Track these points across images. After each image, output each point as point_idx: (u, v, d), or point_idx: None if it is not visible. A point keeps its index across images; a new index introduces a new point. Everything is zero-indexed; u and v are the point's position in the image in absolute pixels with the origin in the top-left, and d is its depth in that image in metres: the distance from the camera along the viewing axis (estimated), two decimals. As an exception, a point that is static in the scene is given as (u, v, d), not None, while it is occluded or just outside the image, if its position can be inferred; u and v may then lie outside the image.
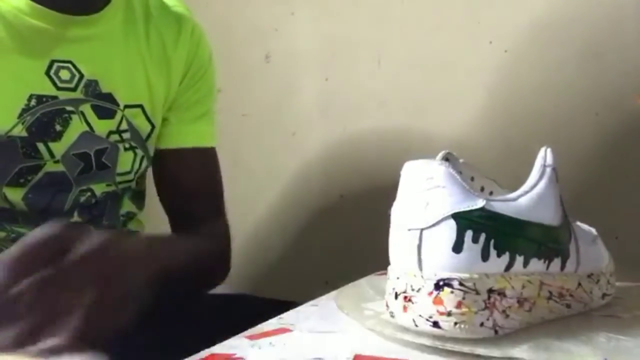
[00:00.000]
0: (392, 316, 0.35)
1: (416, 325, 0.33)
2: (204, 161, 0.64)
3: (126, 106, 0.56)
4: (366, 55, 0.88)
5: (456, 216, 0.32)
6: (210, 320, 0.55)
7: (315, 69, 0.92)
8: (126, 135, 0.56)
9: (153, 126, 0.58)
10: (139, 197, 0.63)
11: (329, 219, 0.92)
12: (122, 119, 0.56)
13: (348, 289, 0.47)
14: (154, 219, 0.70)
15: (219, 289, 0.70)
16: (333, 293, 0.46)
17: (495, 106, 0.81)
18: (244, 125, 0.96)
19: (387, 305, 0.36)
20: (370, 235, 0.77)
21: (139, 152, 0.58)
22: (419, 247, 0.33)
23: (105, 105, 0.54)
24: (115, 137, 0.55)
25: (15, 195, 0.51)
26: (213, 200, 0.65)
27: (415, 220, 0.33)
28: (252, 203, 0.96)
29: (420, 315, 0.33)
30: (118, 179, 0.57)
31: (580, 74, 0.77)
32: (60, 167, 0.52)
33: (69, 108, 0.52)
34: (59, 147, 0.52)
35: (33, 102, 0.50)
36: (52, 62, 0.51)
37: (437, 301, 0.32)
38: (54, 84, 0.51)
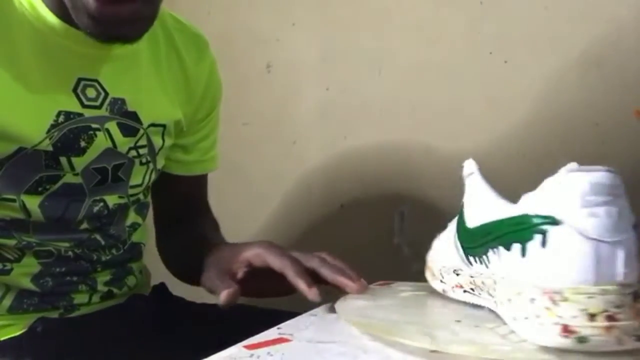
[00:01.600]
0: (585, 341, 0.32)
1: (621, 344, 0.31)
2: (205, 181, 0.70)
3: (150, 125, 0.57)
4: (367, 65, 0.88)
5: (635, 225, 0.33)
6: (209, 330, 0.55)
7: (316, 78, 0.92)
8: (143, 151, 0.58)
9: (164, 142, 0.60)
10: (143, 208, 0.64)
11: (330, 228, 0.92)
12: (142, 136, 0.57)
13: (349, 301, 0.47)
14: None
15: (213, 299, 0.70)
16: (331, 303, 0.46)
17: (495, 116, 0.82)
18: (244, 134, 0.96)
19: (568, 332, 0.32)
20: (371, 244, 0.77)
21: (151, 166, 0.60)
22: (616, 258, 0.31)
23: (130, 123, 0.56)
24: (134, 152, 0.57)
25: (32, 202, 0.52)
26: (206, 203, 0.71)
27: (610, 232, 0.32)
28: (253, 212, 0.96)
29: (625, 333, 0.31)
30: (130, 191, 0.58)
31: (580, 84, 0.77)
32: (78, 179, 0.53)
33: (94, 125, 0.53)
34: (80, 162, 0.53)
35: (61, 119, 0.51)
36: (79, 80, 0.52)
37: (638, 312, 0.32)
38: (80, 101, 0.52)
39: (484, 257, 0.39)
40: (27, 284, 0.54)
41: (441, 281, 0.45)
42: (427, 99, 0.85)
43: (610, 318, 0.31)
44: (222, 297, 0.47)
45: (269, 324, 0.42)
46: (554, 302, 0.32)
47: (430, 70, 0.85)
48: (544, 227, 0.33)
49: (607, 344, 0.32)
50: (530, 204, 0.35)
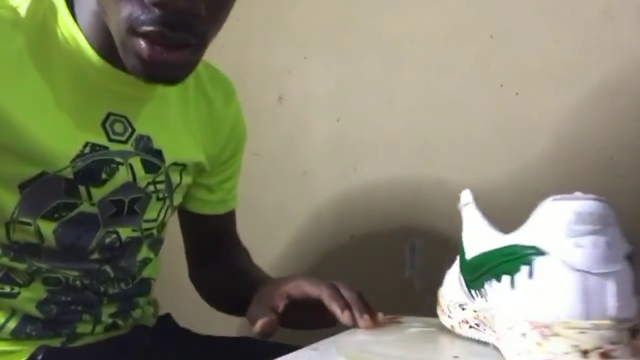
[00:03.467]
0: None
1: None
2: (233, 216, 0.72)
3: (172, 164, 0.59)
4: (378, 97, 0.89)
5: (629, 256, 0.31)
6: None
7: (327, 110, 0.93)
8: (160, 187, 0.59)
9: (181, 180, 0.61)
10: (157, 244, 0.64)
11: (339, 260, 0.91)
12: (162, 172, 0.58)
13: (345, 336, 0.45)
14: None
15: (223, 332, 0.69)
16: (333, 337, 0.45)
17: (506, 149, 0.81)
18: (255, 164, 0.97)
19: None
20: (382, 277, 0.75)
21: (167, 202, 0.61)
22: (607, 291, 0.30)
23: (154, 160, 0.57)
24: (152, 187, 0.58)
25: (47, 227, 0.52)
26: (235, 236, 0.73)
27: (597, 263, 0.30)
28: (262, 243, 0.95)
29: None
30: (144, 225, 0.59)
31: (594, 116, 0.76)
32: (94, 209, 0.54)
33: (118, 159, 0.54)
34: (99, 193, 0.54)
35: (87, 150, 0.52)
36: (109, 114, 0.53)
37: (636, 349, 0.29)
38: (107, 135, 0.53)
39: (482, 289, 0.37)
40: (32, 309, 0.54)
41: (449, 316, 0.44)
42: (438, 132, 0.85)
43: (604, 355, 0.29)
44: (257, 325, 0.50)
45: (274, 357, 0.41)
46: (545, 337, 0.30)
47: (441, 103, 0.85)
48: (530, 257, 0.32)
49: None
50: (518, 234, 0.33)
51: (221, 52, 1.00)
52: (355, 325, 0.48)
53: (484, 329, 0.40)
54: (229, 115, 0.65)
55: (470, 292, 0.40)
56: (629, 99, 0.75)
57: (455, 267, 0.44)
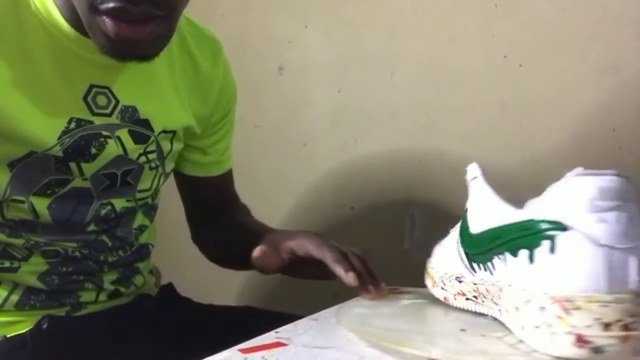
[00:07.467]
0: (600, 351, 0.30)
1: (637, 354, 0.31)
2: (230, 176, 0.71)
3: (161, 132, 0.57)
4: (379, 67, 0.88)
5: None
6: (212, 331, 0.55)
7: (328, 80, 0.92)
8: (152, 156, 0.58)
9: (172, 147, 0.60)
10: (151, 211, 0.64)
11: (340, 231, 0.91)
12: (152, 142, 0.57)
13: (349, 307, 0.46)
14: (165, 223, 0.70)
15: (224, 301, 0.70)
16: (334, 308, 0.46)
17: (508, 121, 0.80)
18: (255, 136, 0.96)
19: (582, 342, 0.31)
20: (381, 247, 0.76)
21: (160, 170, 0.60)
22: (629, 266, 0.30)
23: (142, 130, 0.56)
24: (143, 158, 0.57)
25: (41, 204, 0.52)
26: (234, 194, 0.72)
27: (621, 238, 0.31)
28: (262, 214, 0.96)
29: None
30: (138, 195, 0.59)
31: (598, 88, 0.75)
32: (87, 184, 0.54)
33: (105, 133, 0.53)
34: (90, 167, 0.53)
35: (72, 125, 0.51)
36: (91, 87, 0.52)
37: None
38: (90, 109, 0.52)
39: (489, 263, 0.38)
40: (33, 281, 0.55)
41: (442, 288, 0.44)
42: (440, 103, 0.84)
43: (625, 327, 0.30)
44: (255, 252, 0.53)
45: (275, 326, 0.42)
46: (566, 310, 0.31)
47: (443, 74, 0.84)
48: (552, 232, 0.32)
49: (623, 354, 0.31)
50: (536, 209, 0.34)
51: (220, 21, 0.98)
52: (362, 291, 0.49)
53: (483, 301, 0.40)
54: (217, 74, 0.63)
55: (471, 265, 0.40)
56: (633, 71, 0.73)
57: (451, 239, 0.44)
